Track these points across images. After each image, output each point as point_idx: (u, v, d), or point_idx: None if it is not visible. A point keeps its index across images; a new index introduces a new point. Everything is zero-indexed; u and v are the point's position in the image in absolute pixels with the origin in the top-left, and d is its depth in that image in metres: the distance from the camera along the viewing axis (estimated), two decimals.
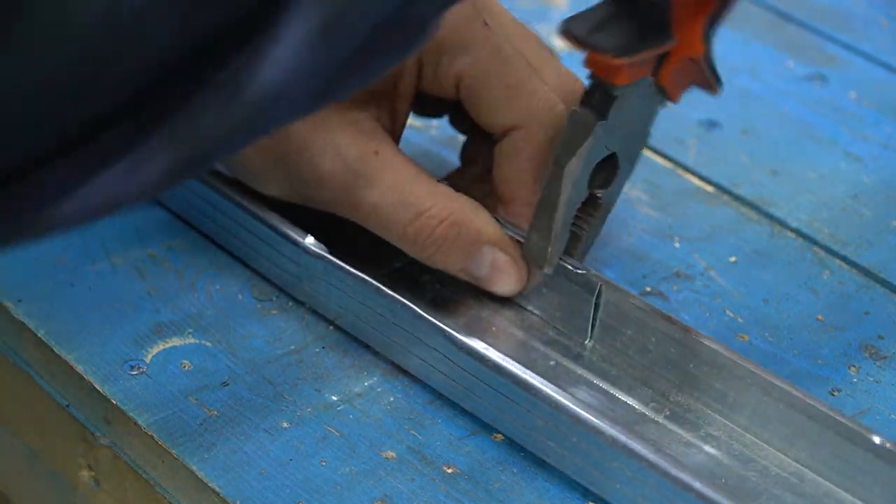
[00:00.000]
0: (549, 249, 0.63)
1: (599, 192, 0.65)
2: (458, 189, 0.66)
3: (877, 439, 0.57)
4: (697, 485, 0.55)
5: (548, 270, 0.64)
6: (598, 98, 0.61)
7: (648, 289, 0.69)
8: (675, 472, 0.56)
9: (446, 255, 0.65)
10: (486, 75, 0.65)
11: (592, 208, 0.65)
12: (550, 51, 0.69)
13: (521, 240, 0.65)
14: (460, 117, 0.71)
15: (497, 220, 0.66)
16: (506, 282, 0.66)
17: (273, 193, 0.67)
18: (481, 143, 0.69)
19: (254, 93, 0.43)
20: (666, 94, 0.63)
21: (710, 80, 0.63)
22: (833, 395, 0.65)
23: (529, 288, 0.66)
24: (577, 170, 0.62)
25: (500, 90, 0.65)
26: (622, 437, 0.57)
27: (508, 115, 0.66)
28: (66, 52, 0.41)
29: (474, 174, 0.70)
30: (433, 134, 0.79)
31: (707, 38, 0.62)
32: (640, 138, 0.65)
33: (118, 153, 0.44)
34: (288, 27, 0.42)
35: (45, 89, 0.41)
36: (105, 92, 0.42)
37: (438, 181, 0.66)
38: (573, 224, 0.64)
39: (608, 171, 0.64)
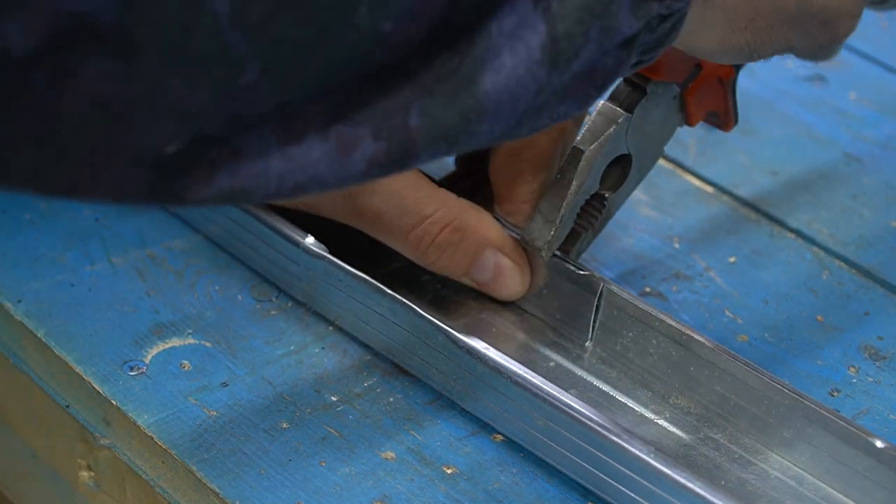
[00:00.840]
0: (553, 233, 0.64)
1: (607, 194, 0.65)
2: (454, 191, 0.66)
3: (879, 443, 0.57)
4: (697, 486, 0.55)
5: (546, 255, 0.64)
6: (628, 94, 0.63)
7: (648, 289, 0.69)
8: (674, 472, 0.56)
9: (449, 260, 0.65)
10: None
11: (597, 209, 0.65)
12: None
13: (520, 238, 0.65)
14: None
15: (499, 220, 0.66)
16: (509, 286, 0.66)
17: (281, 201, 0.67)
18: None
19: (481, 89, 0.46)
20: (686, 114, 0.65)
21: (729, 112, 0.65)
22: (832, 395, 0.65)
23: (531, 291, 0.66)
24: (595, 157, 0.63)
25: None
26: (621, 438, 0.57)
27: None
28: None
29: (469, 175, 0.70)
30: None
31: (737, 66, 0.64)
32: (654, 151, 0.66)
33: (331, 129, 0.46)
34: (514, 36, 0.46)
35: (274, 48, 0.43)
36: (335, 60, 0.44)
37: (438, 181, 0.66)
38: (576, 220, 0.65)
39: (619, 173, 0.65)
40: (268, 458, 0.60)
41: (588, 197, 0.65)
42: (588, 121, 0.64)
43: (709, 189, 0.77)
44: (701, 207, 0.75)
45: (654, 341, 0.63)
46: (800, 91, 0.85)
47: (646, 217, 0.74)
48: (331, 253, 0.65)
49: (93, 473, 0.65)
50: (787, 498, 0.59)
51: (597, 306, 0.64)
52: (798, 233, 0.74)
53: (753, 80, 0.85)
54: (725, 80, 0.65)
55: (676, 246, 0.73)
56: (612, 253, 0.72)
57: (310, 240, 0.66)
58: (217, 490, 0.59)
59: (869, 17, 0.92)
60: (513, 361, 0.60)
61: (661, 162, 0.78)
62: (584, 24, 0.47)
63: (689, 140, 0.80)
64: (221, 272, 0.69)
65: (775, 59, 0.87)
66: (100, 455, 0.64)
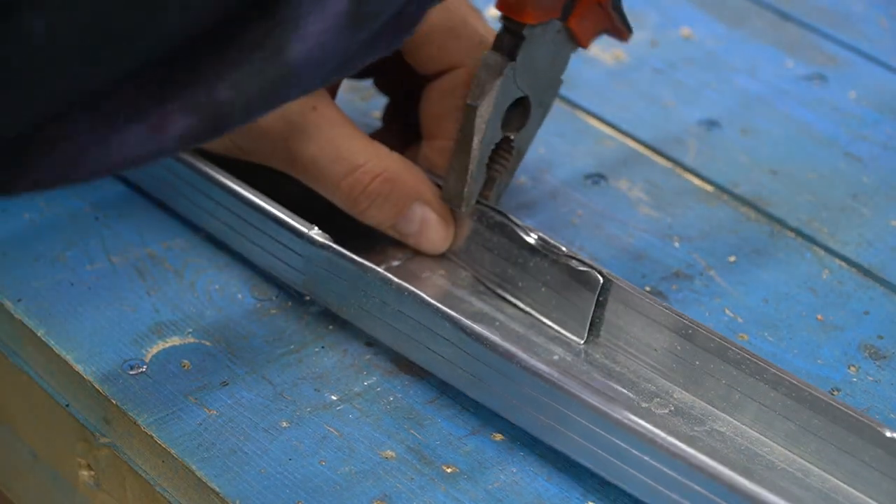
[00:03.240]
0: (466, 190, 0.66)
1: (513, 136, 0.67)
2: (388, 140, 0.68)
3: (888, 433, 0.57)
4: (708, 466, 0.55)
5: (465, 210, 0.66)
6: (508, 40, 0.64)
7: (648, 289, 0.69)
8: (686, 453, 0.55)
9: (378, 210, 0.67)
10: (427, 19, 0.66)
11: (506, 151, 0.67)
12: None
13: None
14: (385, 78, 0.73)
15: (427, 174, 0.68)
16: (433, 239, 0.68)
17: (214, 148, 0.68)
18: (403, 103, 0.73)
19: (288, 58, 0.47)
20: (576, 40, 0.66)
21: (619, 27, 0.67)
22: (833, 394, 0.65)
23: (455, 245, 0.68)
24: (488, 112, 0.65)
25: (440, 32, 0.68)
26: (632, 420, 0.57)
27: (447, 57, 0.68)
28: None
29: (395, 133, 0.72)
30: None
31: None
32: (552, 84, 0.67)
33: (142, 109, 0.46)
34: (317, 3, 0.46)
35: (81, 37, 0.43)
36: (139, 45, 0.45)
37: (373, 134, 0.68)
38: (488, 167, 0.67)
39: (521, 114, 0.67)
40: (268, 458, 0.60)
41: (494, 146, 0.66)
42: (476, 72, 0.65)
43: (709, 189, 0.77)
44: (701, 207, 0.75)
45: (657, 335, 0.63)
46: (800, 91, 0.85)
47: (646, 217, 0.74)
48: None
49: (93, 473, 0.65)
50: (795, 489, 0.59)
51: (599, 301, 0.64)
52: (798, 232, 0.74)
53: (753, 80, 0.86)
54: (604, 3, 0.66)
55: (676, 245, 0.73)
56: (612, 252, 0.72)
57: (315, 230, 0.66)
58: (217, 489, 0.59)
59: (869, 16, 0.92)
60: (521, 349, 0.60)
61: (661, 161, 0.78)
62: None
63: (689, 140, 0.80)
64: (221, 271, 0.69)
65: (775, 59, 0.87)
66: (100, 454, 0.64)
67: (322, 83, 0.50)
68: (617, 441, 0.57)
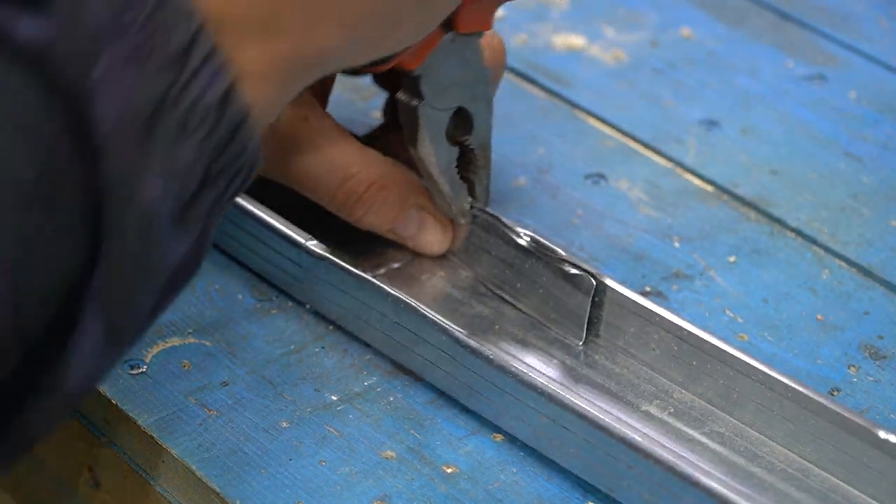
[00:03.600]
0: (453, 208, 0.67)
1: (467, 139, 0.67)
2: (382, 141, 0.68)
3: (882, 434, 0.57)
4: (704, 480, 0.55)
5: (463, 221, 0.67)
6: (408, 83, 0.65)
7: (648, 289, 0.69)
8: (682, 467, 0.56)
9: (375, 217, 0.67)
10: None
11: (470, 154, 0.67)
12: None
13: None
14: (384, 74, 0.72)
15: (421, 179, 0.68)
16: (431, 242, 0.68)
17: None
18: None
19: (68, 390, 0.50)
20: (475, 32, 0.66)
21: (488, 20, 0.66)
22: (833, 394, 0.65)
23: (454, 245, 0.68)
24: (429, 150, 0.66)
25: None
26: (627, 435, 0.57)
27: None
28: None
29: (397, 127, 0.72)
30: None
31: None
32: (476, 77, 0.67)
33: None
34: (83, 336, 0.49)
35: None
36: None
37: (366, 135, 0.68)
38: (461, 176, 0.67)
39: (465, 118, 0.67)
40: (268, 458, 0.60)
41: (455, 160, 0.67)
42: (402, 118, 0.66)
43: (709, 189, 0.77)
44: (701, 207, 0.75)
45: (655, 336, 0.63)
46: (800, 91, 0.85)
47: (646, 217, 0.74)
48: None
49: (93, 473, 0.65)
50: (794, 490, 0.59)
51: (596, 302, 0.64)
52: (798, 232, 0.74)
53: (753, 80, 0.86)
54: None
55: (676, 245, 0.73)
56: (613, 253, 0.72)
57: (312, 241, 0.66)
58: (217, 489, 0.59)
59: (869, 16, 0.92)
60: (517, 360, 0.60)
61: (661, 161, 0.78)
62: (132, 289, 0.50)
63: (689, 140, 0.80)
64: (221, 272, 0.69)
65: (775, 59, 0.87)
66: (100, 455, 0.64)
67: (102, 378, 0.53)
68: (613, 455, 0.57)
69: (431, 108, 0.66)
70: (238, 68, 0.51)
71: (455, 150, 0.67)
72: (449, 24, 0.64)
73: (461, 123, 0.67)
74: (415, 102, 0.65)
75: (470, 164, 0.68)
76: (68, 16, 0.47)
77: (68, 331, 0.49)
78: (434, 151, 0.66)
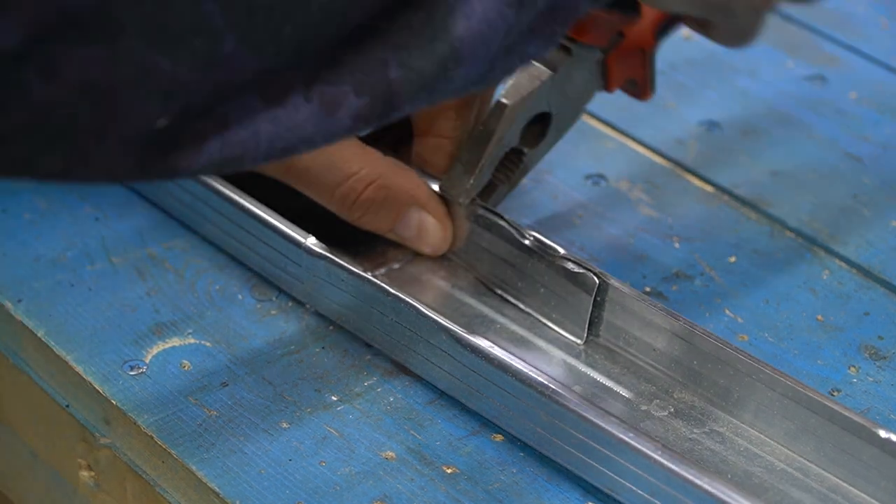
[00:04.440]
0: (472, 181, 0.66)
1: (526, 150, 0.67)
2: (382, 141, 0.68)
3: (882, 433, 0.57)
4: (704, 481, 0.55)
5: (462, 202, 0.67)
6: (555, 55, 0.65)
7: (648, 289, 0.69)
8: (682, 467, 0.56)
9: (374, 217, 0.67)
10: None
11: (514, 163, 0.68)
12: None
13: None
14: None
15: (421, 172, 0.68)
16: (431, 241, 0.68)
17: None
18: None
19: (454, 35, 0.48)
20: (606, 80, 0.68)
21: (646, 81, 0.68)
22: (833, 394, 0.65)
23: (454, 246, 0.68)
24: (518, 111, 0.66)
25: None
26: (628, 435, 0.57)
27: None
28: None
29: (395, 126, 0.72)
30: None
31: (658, 37, 0.67)
32: (574, 112, 0.68)
33: (312, 89, 0.48)
34: None
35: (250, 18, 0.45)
36: (308, 25, 0.47)
37: (366, 134, 0.68)
38: (493, 173, 0.67)
39: (538, 132, 0.67)
40: (268, 458, 0.60)
41: (507, 150, 0.67)
42: (514, 77, 0.66)
43: (709, 189, 0.77)
44: (701, 207, 0.75)
45: (657, 336, 0.63)
46: (800, 91, 0.85)
47: (646, 217, 0.74)
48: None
49: (93, 473, 0.65)
50: (794, 489, 0.59)
51: (597, 302, 0.64)
52: (798, 233, 0.74)
53: (754, 80, 0.86)
54: (647, 51, 0.68)
55: (676, 245, 0.73)
56: (613, 253, 0.72)
57: (312, 240, 0.66)
58: (217, 490, 0.59)
59: (869, 17, 0.92)
60: (517, 359, 0.60)
61: (661, 161, 0.78)
62: None
63: (689, 140, 0.80)
64: (221, 272, 0.69)
65: (775, 59, 0.87)
66: (100, 455, 0.64)
67: (489, 68, 0.51)
68: (612, 455, 0.57)
69: (546, 88, 0.66)
70: None
71: (514, 142, 0.67)
72: (608, 50, 0.66)
73: (532, 134, 0.67)
74: (545, 71, 0.65)
75: (506, 170, 0.67)
76: None
77: None
78: (516, 119, 0.66)
